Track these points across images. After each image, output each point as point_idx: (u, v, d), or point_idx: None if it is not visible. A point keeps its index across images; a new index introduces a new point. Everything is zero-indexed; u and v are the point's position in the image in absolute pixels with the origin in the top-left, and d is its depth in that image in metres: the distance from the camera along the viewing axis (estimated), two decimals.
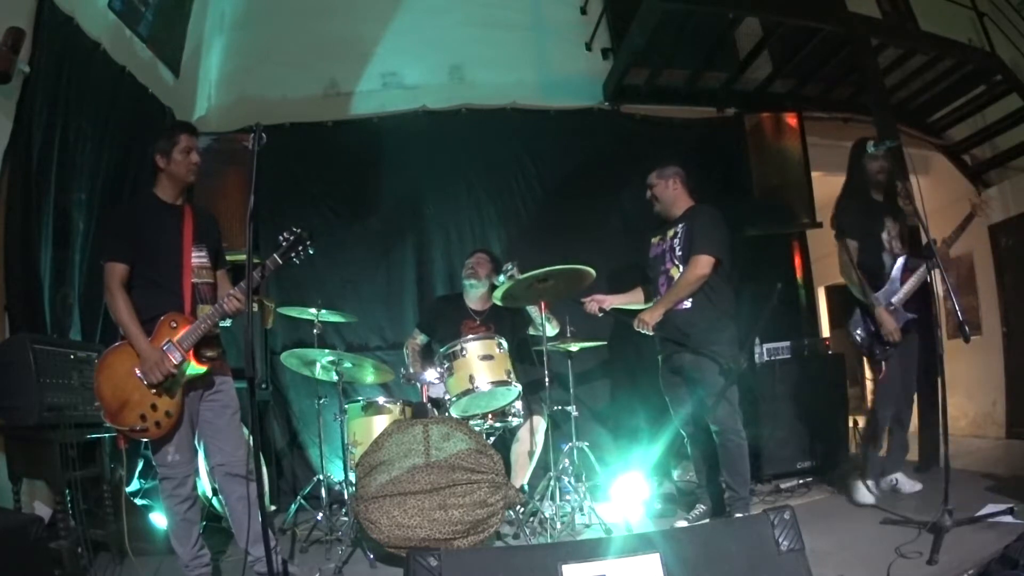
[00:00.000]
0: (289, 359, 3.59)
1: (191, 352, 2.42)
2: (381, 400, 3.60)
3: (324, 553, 3.04)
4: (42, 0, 3.16)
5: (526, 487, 3.59)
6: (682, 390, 3.28)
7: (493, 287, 3.71)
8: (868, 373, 3.46)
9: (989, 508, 2.69)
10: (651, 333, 3.21)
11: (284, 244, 2.51)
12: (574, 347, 3.63)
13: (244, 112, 4.60)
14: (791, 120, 5.21)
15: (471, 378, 3.20)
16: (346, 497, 3.36)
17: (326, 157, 4.77)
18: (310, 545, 3.21)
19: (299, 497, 3.66)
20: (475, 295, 3.91)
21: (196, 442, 2.56)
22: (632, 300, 3.53)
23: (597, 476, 3.75)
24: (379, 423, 3.41)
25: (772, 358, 4.08)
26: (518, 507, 3.24)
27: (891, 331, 3.27)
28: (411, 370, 3.77)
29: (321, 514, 3.35)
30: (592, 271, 3.32)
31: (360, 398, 3.67)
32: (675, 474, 4.07)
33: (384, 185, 4.75)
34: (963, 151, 5.68)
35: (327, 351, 3.48)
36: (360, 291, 4.62)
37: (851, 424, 4.44)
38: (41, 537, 2.16)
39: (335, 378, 3.46)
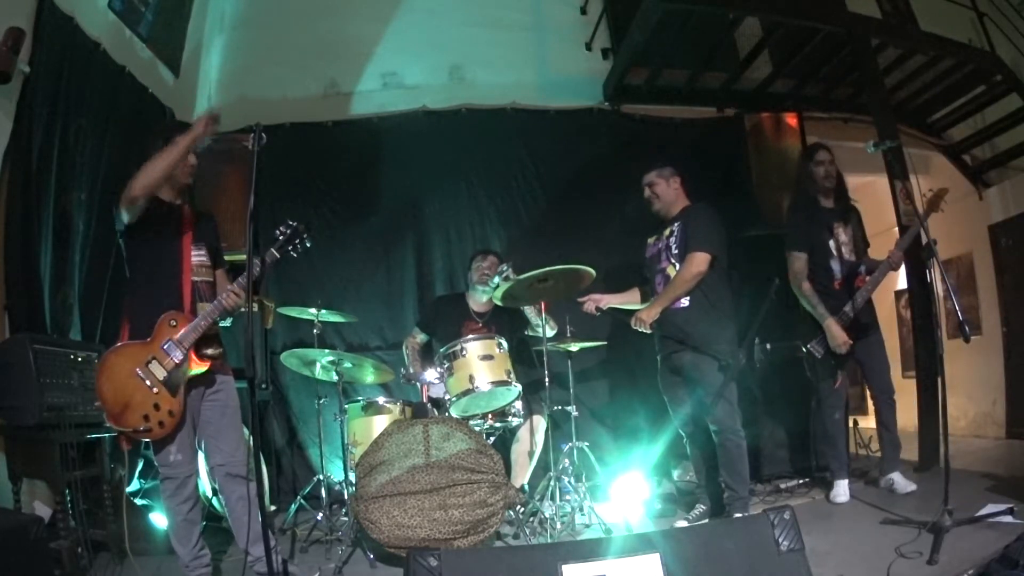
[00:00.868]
0: (289, 359, 3.59)
1: (192, 350, 2.42)
2: (381, 400, 3.60)
3: (324, 553, 3.04)
4: (42, 0, 3.16)
5: (526, 487, 3.59)
6: (681, 390, 3.28)
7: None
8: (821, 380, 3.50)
9: (989, 508, 2.69)
10: (649, 331, 3.21)
11: (281, 238, 2.52)
12: (574, 347, 3.63)
13: (244, 112, 4.59)
14: (791, 120, 5.22)
15: (471, 378, 3.20)
16: (346, 497, 3.36)
17: (326, 157, 4.77)
18: (310, 545, 3.21)
19: (299, 497, 3.66)
20: (481, 298, 3.92)
21: (197, 442, 2.56)
22: (629, 300, 3.54)
23: (597, 476, 3.75)
24: (379, 423, 3.41)
25: (772, 358, 4.08)
26: (518, 507, 3.24)
27: (840, 344, 3.32)
28: (410, 369, 3.77)
29: (321, 514, 3.35)
30: (592, 271, 3.32)
31: (360, 398, 3.67)
32: (675, 474, 4.07)
33: (384, 185, 4.75)
34: (963, 151, 5.69)
35: (327, 351, 3.48)
36: (360, 291, 4.62)
37: (851, 424, 4.44)
38: (41, 537, 2.16)
39: (335, 378, 3.46)
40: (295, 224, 2.54)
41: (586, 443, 3.58)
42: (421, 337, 3.99)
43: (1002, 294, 5.45)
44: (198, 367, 2.45)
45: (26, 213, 2.99)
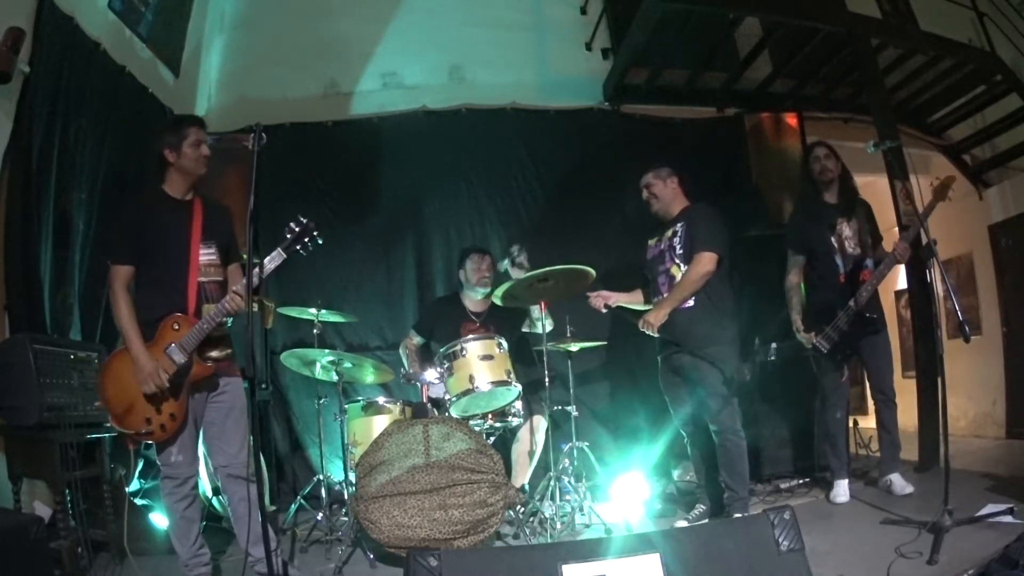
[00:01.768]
0: (289, 359, 3.59)
1: (195, 354, 2.40)
2: (381, 400, 3.59)
3: (324, 553, 3.04)
4: (42, 0, 3.16)
5: (527, 487, 3.59)
6: (682, 390, 3.27)
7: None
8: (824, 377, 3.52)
9: (989, 508, 2.69)
10: (655, 334, 3.17)
11: (289, 236, 2.47)
12: (574, 347, 3.63)
13: (244, 112, 4.60)
14: (791, 120, 5.22)
15: (471, 378, 3.20)
16: (346, 497, 3.36)
17: (326, 157, 4.77)
18: (310, 545, 3.20)
19: (299, 497, 3.66)
20: (477, 297, 3.92)
21: (199, 442, 2.55)
22: (633, 300, 3.53)
23: (597, 476, 3.75)
24: (379, 423, 3.41)
25: (772, 358, 4.08)
26: (518, 507, 3.24)
27: (806, 340, 3.42)
28: (410, 370, 3.77)
29: (321, 514, 3.35)
30: (592, 271, 3.32)
31: (360, 398, 3.66)
32: (675, 474, 4.07)
33: (384, 185, 4.75)
34: (963, 151, 5.69)
35: (327, 351, 3.48)
36: (360, 291, 4.62)
37: (851, 424, 4.44)
38: (41, 537, 2.16)
39: (335, 378, 3.46)
40: (304, 221, 2.49)
41: (586, 443, 3.58)
42: (417, 340, 3.98)
43: (1002, 294, 5.45)
44: (201, 371, 2.44)
45: (26, 213, 3.00)
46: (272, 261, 2.43)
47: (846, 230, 3.49)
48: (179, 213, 2.50)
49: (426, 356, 3.94)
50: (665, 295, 3.22)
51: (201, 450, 2.65)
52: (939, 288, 3.38)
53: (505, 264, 3.38)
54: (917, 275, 4.12)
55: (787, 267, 3.61)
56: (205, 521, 3.05)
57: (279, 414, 4.44)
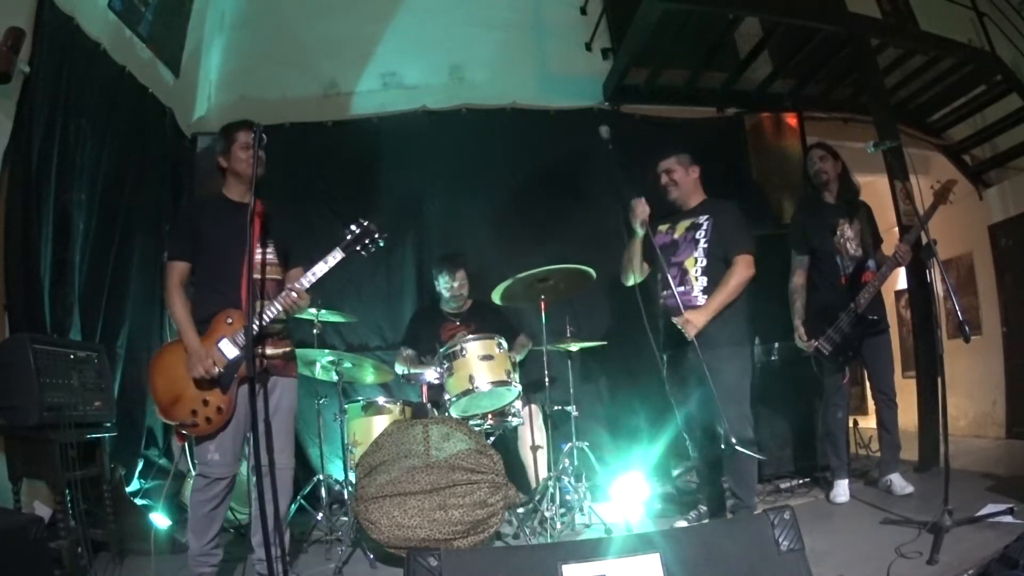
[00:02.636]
0: None
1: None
2: (381, 400, 3.60)
3: (324, 553, 3.04)
4: (42, 0, 3.16)
5: (543, 483, 3.44)
6: (690, 391, 3.04)
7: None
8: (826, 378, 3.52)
9: (989, 508, 2.69)
10: (691, 337, 2.93)
11: (349, 237, 2.49)
12: (574, 347, 3.63)
13: (244, 112, 4.56)
14: (791, 120, 5.22)
15: (471, 378, 3.20)
16: (346, 497, 3.36)
17: (326, 157, 4.77)
18: (310, 545, 3.21)
19: (299, 497, 3.66)
20: (450, 304, 3.93)
21: (246, 446, 2.52)
22: (635, 255, 3.19)
23: (597, 476, 3.75)
24: (379, 423, 3.42)
25: (772, 358, 4.08)
26: (518, 507, 3.24)
27: (806, 345, 3.42)
28: (411, 372, 3.75)
29: (321, 514, 3.35)
30: (592, 271, 3.31)
31: (360, 398, 3.67)
32: (675, 474, 4.07)
33: (384, 185, 4.75)
34: (963, 151, 5.69)
35: (327, 351, 3.48)
36: (360, 291, 4.62)
37: (851, 424, 4.44)
38: (41, 537, 2.16)
39: (335, 378, 3.46)
40: (366, 223, 2.51)
41: (586, 443, 3.58)
42: (409, 352, 3.96)
43: (1002, 294, 5.45)
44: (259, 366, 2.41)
45: (26, 213, 3.00)
46: (329, 261, 2.46)
47: (847, 231, 3.49)
48: (237, 214, 2.47)
49: (421, 358, 3.91)
50: (678, 288, 2.98)
51: None
52: (939, 288, 3.38)
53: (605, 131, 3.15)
54: (917, 275, 4.12)
55: (791, 268, 3.60)
56: None
57: None
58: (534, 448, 3.39)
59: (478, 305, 3.94)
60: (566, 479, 3.41)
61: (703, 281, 3.02)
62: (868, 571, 2.30)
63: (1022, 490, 3.03)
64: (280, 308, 2.41)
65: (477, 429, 3.21)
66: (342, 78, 5.09)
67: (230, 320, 2.41)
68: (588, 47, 5.30)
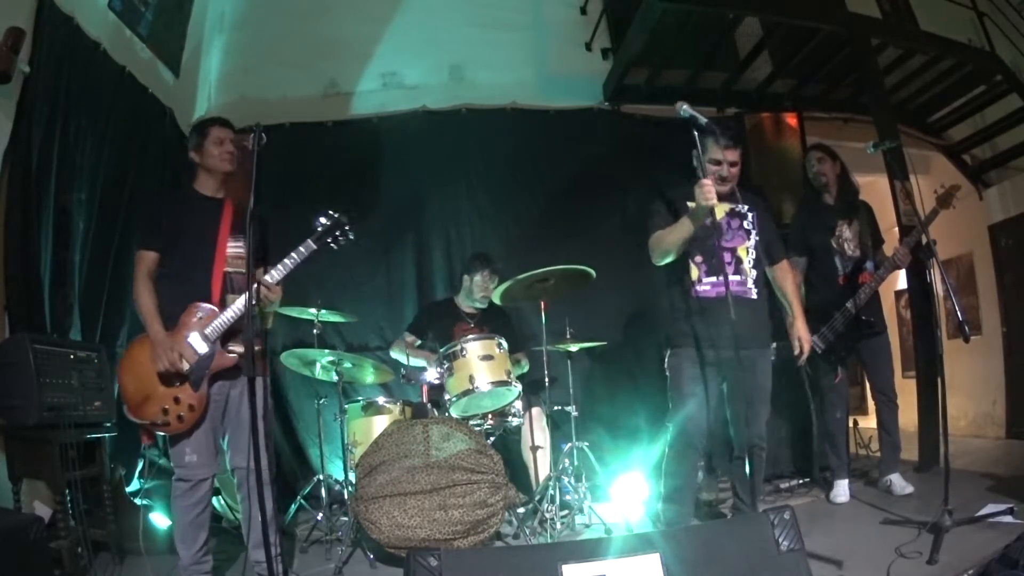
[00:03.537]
0: (289, 359, 3.59)
1: (220, 344, 2.37)
2: (381, 400, 3.60)
3: (324, 553, 3.04)
4: (42, 0, 3.16)
5: (543, 483, 3.40)
6: (715, 390, 2.74)
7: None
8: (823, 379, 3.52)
9: (989, 508, 2.69)
10: (803, 362, 2.85)
11: (319, 228, 2.48)
12: (574, 347, 3.63)
13: (244, 112, 4.58)
14: (791, 120, 5.22)
15: (471, 378, 3.20)
16: (346, 497, 3.36)
17: (326, 157, 4.77)
18: (310, 545, 3.21)
19: (299, 497, 3.66)
20: (471, 304, 3.93)
21: (222, 443, 2.51)
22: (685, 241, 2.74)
23: (597, 476, 3.75)
24: (379, 423, 3.41)
25: (772, 358, 4.07)
26: (518, 507, 3.23)
27: (805, 342, 3.20)
28: (410, 364, 3.73)
29: (321, 514, 3.35)
30: (592, 271, 3.31)
31: (360, 398, 3.67)
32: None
33: (384, 185, 4.75)
34: (963, 151, 5.69)
35: (327, 351, 3.48)
36: (360, 291, 4.62)
37: (851, 424, 4.44)
38: (41, 537, 2.15)
39: (335, 378, 3.46)
40: (336, 214, 2.49)
41: (586, 443, 3.58)
42: (412, 339, 3.97)
43: (1002, 294, 5.45)
44: (223, 362, 2.41)
45: (26, 213, 2.99)
46: (300, 252, 2.44)
47: (846, 232, 3.50)
48: (208, 208, 2.52)
49: (422, 350, 3.91)
50: (733, 276, 2.66)
51: None
52: (939, 288, 3.39)
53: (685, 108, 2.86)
54: (917, 275, 4.12)
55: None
56: None
57: (279, 414, 4.43)
58: (534, 449, 3.39)
59: (492, 310, 3.93)
60: (566, 479, 3.41)
61: (754, 274, 2.78)
62: (868, 571, 2.30)
63: (1022, 490, 3.03)
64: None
65: (477, 429, 3.21)
66: (342, 78, 5.09)
67: (200, 315, 2.38)
68: (588, 47, 5.30)
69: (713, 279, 2.71)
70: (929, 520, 2.48)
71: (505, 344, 3.37)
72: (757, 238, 2.81)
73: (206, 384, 2.38)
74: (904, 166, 3.80)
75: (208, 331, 2.36)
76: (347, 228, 2.50)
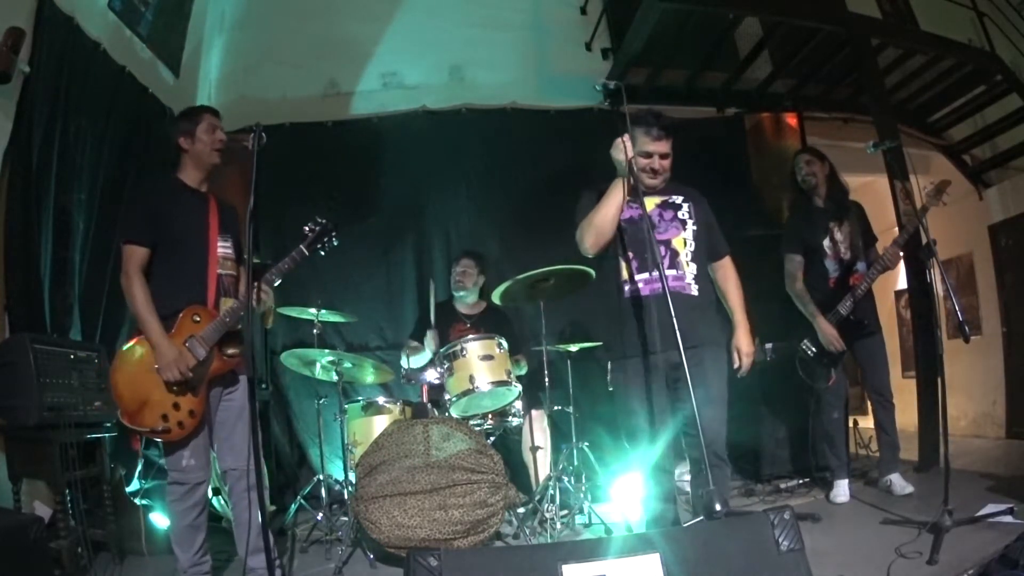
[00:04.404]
0: (289, 359, 3.59)
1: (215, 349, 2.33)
2: (381, 400, 3.60)
3: (324, 553, 3.04)
4: (42, 0, 3.16)
5: (543, 483, 3.39)
6: (681, 395, 2.46)
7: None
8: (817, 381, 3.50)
9: (989, 508, 2.69)
10: (745, 373, 2.61)
11: (310, 235, 2.49)
12: (573, 347, 3.63)
13: (244, 112, 4.59)
14: (791, 120, 5.23)
15: (471, 378, 3.20)
16: (346, 497, 3.36)
17: (326, 157, 4.77)
18: (310, 545, 3.21)
19: (299, 497, 3.65)
20: (465, 301, 3.93)
21: (212, 445, 2.48)
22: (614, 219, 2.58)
23: (597, 476, 3.75)
24: (379, 423, 3.41)
25: (772, 358, 4.07)
26: (518, 507, 3.23)
27: (831, 341, 3.35)
28: (412, 367, 3.75)
29: (321, 514, 3.35)
30: (592, 271, 3.31)
31: (360, 398, 3.67)
32: (676, 474, 4.05)
33: (384, 185, 4.76)
34: (963, 151, 5.69)
35: (327, 351, 3.47)
36: (360, 291, 4.62)
37: (851, 424, 4.44)
38: (41, 537, 2.15)
39: (335, 378, 3.45)
40: (323, 222, 2.50)
41: (586, 443, 3.58)
42: (416, 344, 3.97)
43: (1002, 294, 5.45)
44: (221, 366, 2.36)
45: (26, 213, 2.99)
46: (295, 258, 2.46)
47: (837, 234, 3.51)
48: (196, 202, 2.45)
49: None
50: (669, 271, 2.46)
51: None
52: (939, 288, 3.39)
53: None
54: (917, 275, 4.12)
55: (786, 268, 3.58)
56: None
57: (279, 414, 4.44)
58: (534, 449, 3.39)
59: (491, 310, 3.94)
60: (566, 479, 3.41)
61: (693, 268, 2.52)
62: (868, 571, 2.30)
63: (1022, 490, 3.03)
64: (253, 304, 2.31)
65: (477, 429, 3.21)
66: (342, 78, 5.10)
67: (197, 318, 2.30)
68: (588, 47, 5.30)
69: (646, 275, 2.45)
70: (929, 520, 2.48)
71: (505, 344, 3.37)
72: (695, 228, 2.55)
73: (205, 389, 2.34)
74: (904, 166, 3.80)
75: (205, 335, 2.31)
76: (333, 234, 2.53)
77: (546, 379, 3.27)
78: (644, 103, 5.08)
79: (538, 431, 3.53)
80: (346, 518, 3.21)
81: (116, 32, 3.86)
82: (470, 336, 3.37)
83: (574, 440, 3.50)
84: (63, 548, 2.48)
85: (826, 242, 3.50)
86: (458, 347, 3.28)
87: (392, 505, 2.80)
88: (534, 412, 3.55)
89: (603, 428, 4.51)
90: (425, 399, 3.52)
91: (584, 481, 3.51)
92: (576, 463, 3.52)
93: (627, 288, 2.53)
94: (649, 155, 2.58)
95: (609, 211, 2.47)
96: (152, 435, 2.28)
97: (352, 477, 3.20)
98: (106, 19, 3.77)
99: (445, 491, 2.82)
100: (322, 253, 2.53)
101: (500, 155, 4.88)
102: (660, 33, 4.44)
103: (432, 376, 3.39)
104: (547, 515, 3.15)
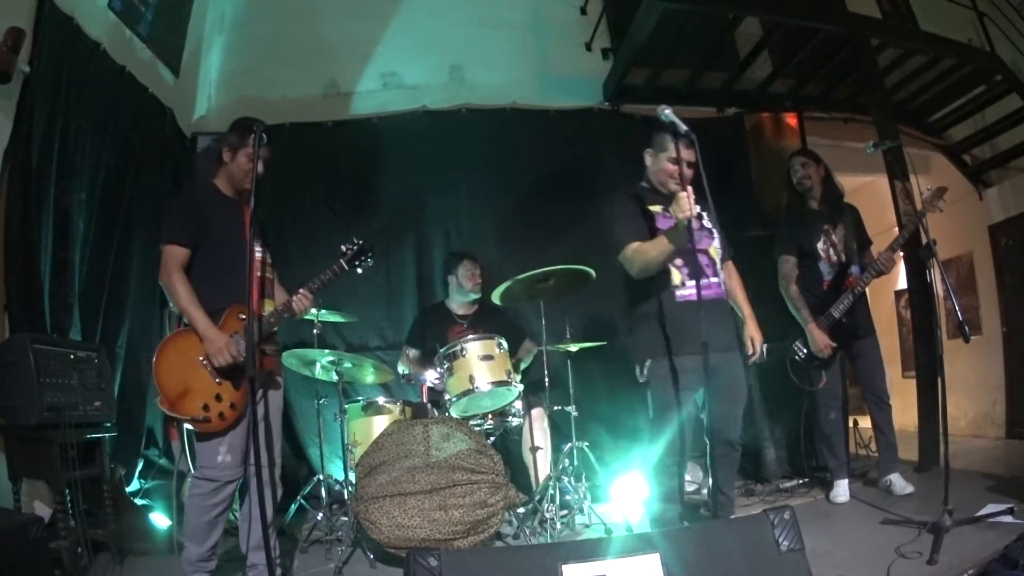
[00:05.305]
0: (289, 359, 3.58)
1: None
2: (381, 400, 3.60)
3: (324, 553, 3.04)
4: (42, 0, 3.16)
5: (543, 483, 3.39)
6: (714, 391, 2.49)
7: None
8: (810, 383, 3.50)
9: (989, 508, 2.69)
10: (754, 360, 2.76)
11: (348, 252, 2.59)
12: (574, 347, 3.63)
13: (244, 112, 4.55)
14: (791, 120, 5.22)
15: (471, 378, 3.20)
16: (346, 497, 3.36)
17: (326, 157, 4.77)
18: (310, 545, 3.21)
19: (299, 497, 3.66)
20: (463, 301, 3.94)
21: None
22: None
23: (597, 476, 3.75)
24: (379, 423, 3.42)
25: (770, 358, 4.07)
26: (518, 507, 3.23)
27: (820, 348, 3.36)
28: (411, 372, 3.77)
29: (321, 514, 3.35)
30: (592, 271, 3.31)
31: (360, 398, 3.67)
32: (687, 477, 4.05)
33: (384, 185, 4.76)
34: (963, 151, 5.69)
35: (327, 351, 3.48)
36: (360, 291, 4.61)
37: (851, 424, 4.44)
38: (41, 537, 2.16)
39: (335, 378, 3.46)
40: (360, 241, 2.60)
41: (586, 443, 3.58)
42: (414, 352, 3.98)
43: (1002, 294, 5.45)
44: (265, 364, 2.42)
45: (26, 213, 2.99)
46: (335, 272, 2.57)
47: (832, 237, 3.51)
48: (233, 210, 2.51)
49: (426, 359, 3.93)
50: (712, 279, 2.62)
51: None
52: (939, 288, 3.39)
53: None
54: (917, 275, 4.12)
55: (780, 270, 3.56)
56: None
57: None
58: (534, 449, 3.39)
59: (485, 309, 3.94)
60: (566, 479, 3.41)
61: (723, 275, 2.70)
62: (868, 571, 2.30)
63: (1022, 490, 3.03)
64: (297, 309, 2.48)
65: (477, 429, 3.21)
66: (342, 78, 5.10)
67: (243, 316, 2.33)
68: (588, 47, 5.30)
69: (693, 283, 2.52)
70: (929, 520, 2.48)
71: (505, 344, 3.37)
72: (718, 236, 2.70)
73: (246, 383, 2.31)
74: (904, 166, 3.80)
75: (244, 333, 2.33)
76: (370, 254, 2.62)
77: (546, 379, 3.27)
78: (644, 103, 5.11)
79: (538, 431, 3.53)
80: (346, 518, 3.21)
81: (116, 32, 3.86)
82: (470, 336, 3.37)
83: (574, 440, 3.50)
84: (63, 548, 2.48)
85: (820, 244, 3.50)
86: (458, 347, 3.28)
87: (392, 505, 2.80)
88: (534, 412, 3.55)
89: (603, 428, 4.52)
90: (425, 399, 3.52)
91: (584, 481, 3.51)
92: (576, 463, 3.52)
93: (678, 294, 2.63)
94: (677, 161, 2.71)
95: (660, 258, 2.59)
96: (193, 424, 2.30)
97: (352, 477, 3.20)
98: (106, 19, 3.77)
99: (445, 491, 2.82)
100: (359, 271, 2.61)
101: (500, 155, 4.88)
102: (660, 33, 4.43)
103: (432, 377, 3.39)
104: (547, 515, 3.16)
